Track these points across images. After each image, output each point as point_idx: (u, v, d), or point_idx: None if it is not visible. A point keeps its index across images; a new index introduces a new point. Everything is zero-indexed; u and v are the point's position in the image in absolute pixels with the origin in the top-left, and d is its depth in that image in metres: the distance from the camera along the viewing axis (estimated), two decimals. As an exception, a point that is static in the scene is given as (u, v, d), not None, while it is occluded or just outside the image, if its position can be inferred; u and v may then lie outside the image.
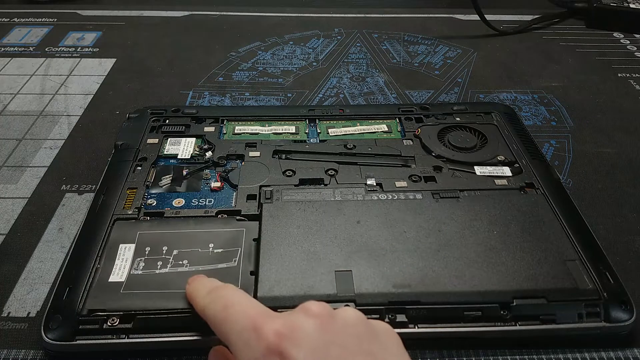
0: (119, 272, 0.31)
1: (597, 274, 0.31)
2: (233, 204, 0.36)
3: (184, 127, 0.44)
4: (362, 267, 0.31)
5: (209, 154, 0.41)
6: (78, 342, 0.28)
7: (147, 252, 0.32)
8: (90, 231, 0.34)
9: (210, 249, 0.33)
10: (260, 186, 0.38)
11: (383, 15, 0.71)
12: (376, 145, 0.42)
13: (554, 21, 0.70)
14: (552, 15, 0.71)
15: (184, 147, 0.42)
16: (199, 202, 0.37)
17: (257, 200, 0.36)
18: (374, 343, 0.22)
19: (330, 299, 0.29)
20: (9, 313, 0.32)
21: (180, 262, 0.32)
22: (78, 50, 0.61)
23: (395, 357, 0.22)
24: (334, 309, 0.23)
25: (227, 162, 0.41)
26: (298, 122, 0.45)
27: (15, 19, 0.68)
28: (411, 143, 0.43)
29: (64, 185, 0.41)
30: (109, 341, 0.28)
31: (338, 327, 0.22)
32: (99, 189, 0.38)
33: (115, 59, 0.59)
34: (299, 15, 0.71)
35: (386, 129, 0.45)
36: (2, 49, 0.61)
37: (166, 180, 0.39)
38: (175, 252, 0.32)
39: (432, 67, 0.59)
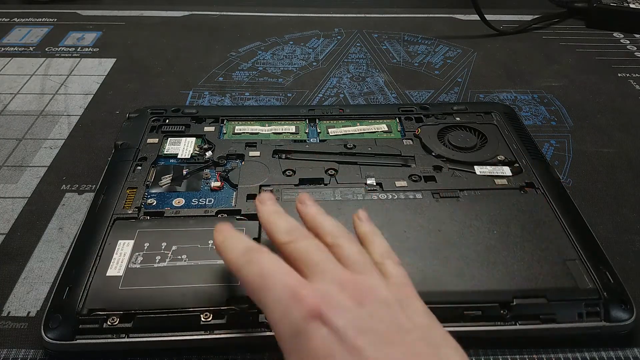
0: (117, 266, 0.31)
1: (597, 273, 0.31)
2: (233, 204, 0.36)
3: (184, 126, 0.44)
4: (362, 266, 0.31)
5: (209, 153, 0.41)
6: (78, 341, 0.28)
7: (145, 247, 0.32)
8: (90, 231, 0.34)
9: (210, 245, 0.33)
10: (260, 186, 0.38)
11: (383, 15, 0.71)
12: (376, 145, 0.42)
13: (554, 21, 0.70)
14: (552, 15, 0.71)
15: (184, 147, 0.42)
16: (198, 201, 0.37)
17: (257, 200, 0.36)
18: (403, 313, 0.23)
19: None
20: (9, 312, 0.32)
21: (179, 257, 0.32)
22: (78, 50, 0.61)
23: (423, 328, 0.23)
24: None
25: (227, 161, 0.41)
26: (298, 122, 0.45)
27: (15, 19, 0.68)
28: (411, 143, 0.43)
29: (64, 185, 0.41)
30: (109, 340, 0.28)
31: (371, 299, 0.23)
32: (99, 189, 0.38)
33: (115, 59, 0.59)
34: (299, 15, 0.71)
35: (386, 129, 0.45)
36: (2, 49, 0.61)
37: (166, 180, 0.39)
38: (174, 247, 0.32)
39: (432, 67, 0.59)
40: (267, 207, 0.29)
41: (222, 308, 0.29)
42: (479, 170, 0.40)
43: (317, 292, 0.23)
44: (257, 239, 0.33)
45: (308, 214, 0.29)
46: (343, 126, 0.45)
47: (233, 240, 0.27)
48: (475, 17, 0.65)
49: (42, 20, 0.68)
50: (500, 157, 0.41)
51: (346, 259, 0.25)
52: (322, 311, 0.22)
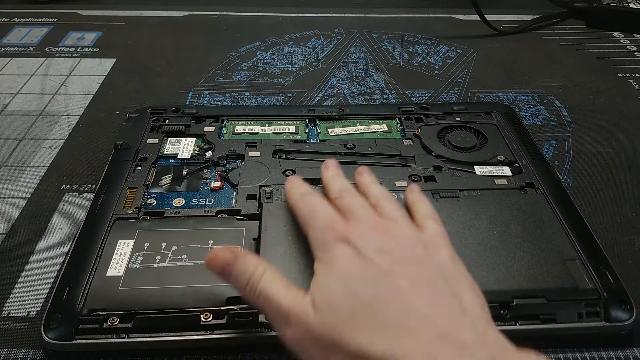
0: (117, 266, 0.31)
1: (597, 273, 0.31)
2: (233, 204, 0.36)
3: (184, 127, 0.44)
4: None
5: (209, 153, 0.41)
6: (78, 341, 0.28)
7: (145, 247, 0.32)
8: (90, 231, 0.34)
9: (210, 245, 0.33)
10: (260, 186, 0.38)
11: (383, 15, 0.72)
12: (376, 145, 0.42)
13: (554, 21, 0.70)
14: (552, 15, 0.71)
15: (184, 147, 0.42)
16: (199, 201, 0.37)
17: (257, 199, 0.37)
18: (424, 250, 0.27)
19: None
20: (9, 312, 0.32)
21: (179, 257, 0.32)
22: (78, 50, 0.61)
23: (441, 265, 0.27)
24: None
25: (227, 161, 0.41)
26: (298, 122, 0.45)
27: (15, 19, 0.68)
28: (411, 143, 0.43)
29: (64, 185, 0.41)
30: (109, 340, 0.28)
31: (396, 235, 0.28)
32: (99, 189, 0.38)
33: (115, 59, 0.59)
34: (299, 15, 0.71)
35: (386, 129, 0.45)
36: (2, 49, 0.61)
37: (166, 180, 0.39)
38: (174, 247, 0.32)
39: (432, 67, 0.59)
40: (330, 171, 0.34)
41: (222, 308, 0.29)
42: (479, 170, 0.40)
43: (349, 226, 0.28)
44: (257, 239, 0.33)
45: (359, 181, 0.34)
46: (343, 126, 0.45)
47: (295, 186, 0.33)
48: (475, 17, 0.65)
49: (42, 20, 0.68)
50: (500, 157, 0.41)
51: (384, 214, 0.30)
52: (350, 237, 0.27)
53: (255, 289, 0.26)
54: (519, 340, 0.28)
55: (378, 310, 0.24)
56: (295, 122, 0.45)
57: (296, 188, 0.33)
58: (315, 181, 0.38)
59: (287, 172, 0.39)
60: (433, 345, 0.23)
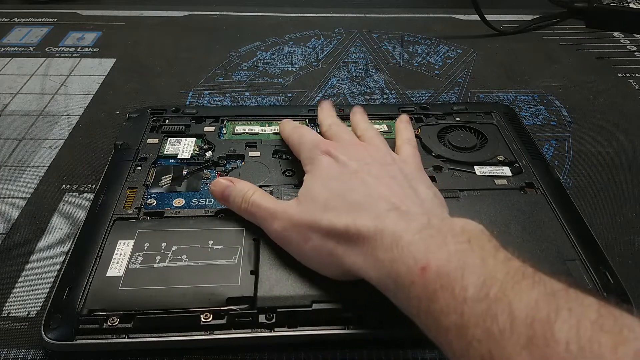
0: (117, 267, 0.31)
1: (597, 273, 0.31)
2: (233, 204, 0.36)
3: (184, 127, 0.44)
4: (362, 266, 0.31)
5: (209, 153, 0.41)
6: (78, 341, 0.28)
7: (145, 248, 0.32)
8: (90, 231, 0.34)
9: (210, 245, 0.33)
10: (260, 186, 0.38)
11: (383, 15, 0.72)
12: (376, 145, 0.42)
13: (554, 21, 0.70)
14: (552, 15, 0.71)
15: (184, 147, 0.42)
16: (198, 202, 0.37)
17: (257, 200, 0.36)
18: (393, 162, 0.33)
19: (330, 299, 0.29)
20: (9, 313, 0.32)
21: (179, 257, 0.32)
22: (78, 50, 0.61)
23: (406, 172, 0.33)
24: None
25: (227, 162, 0.41)
26: (298, 122, 0.45)
27: (15, 19, 0.68)
28: (411, 143, 0.43)
29: (64, 185, 0.41)
30: (109, 341, 0.28)
31: (370, 151, 0.34)
32: (99, 189, 0.38)
33: (115, 59, 0.59)
34: (299, 15, 0.71)
35: (386, 129, 0.45)
36: (2, 49, 0.61)
37: (166, 180, 0.39)
38: (174, 247, 0.32)
39: (432, 67, 0.59)
40: (324, 111, 0.41)
41: (222, 308, 0.29)
42: (479, 170, 0.40)
43: (331, 144, 0.34)
44: (257, 239, 0.33)
45: (352, 118, 0.41)
46: (343, 126, 0.45)
47: (286, 123, 0.41)
48: (475, 17, 0.65)
49: (42, 20, 0.68)
50: (500, 158, 0.41)
51: (365, 139, 0.36)
52: (331, 151, 0.33)
53: (248, 201, 0.33)
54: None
55: (346, 196, 0.30)
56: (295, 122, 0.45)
57: (288, 123, 0.41)
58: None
59: (287, 173, 0.39)
60: (383, 214, 0.28)
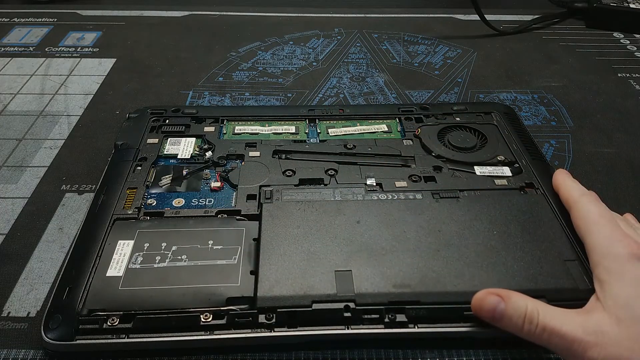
0: (117, 267, 0.31)
1: (597, 273, 0.31)
2: (233, 204, 0.36)
3: (184, 127, 0.44)
4: (362, 267, 0.31)
5: (209, 154, 0.41)
6: (78, 342, 0.28)
7: (145, 248, 0.32)
8: (90, 231, 0.34)
9: (210, 245, 0.33)
10: (260, 186, 0.38)
11: (383, 15, 0.71)
12: (376, 145, 0.42)
13: (554, 21, 0.70)
14: (552, 15, 0.71)
15: (184, 147, 0.42)
16: (199, 202, 0.37)
17: (257, 200, 0.37)
18: None
19: (329, 299, 0.29)
20: (9, 313, 0.32)
21: (179, 257, 0.32)
22: (78, 50, 0.61)
23: None
24: None
25: (227, 162, 0.41)
26: (298, 122, 0.45)
27: (15, 19, 0.68)
28: (411, 143, 0.43)
29: (64, 185, 0.41)
30: (109, 341, 0.28)
31: None
32: (99, 189, 0.38)
33: (115, 59, 0.59)
34: (299, 15, 0.71)
35: (386, 129, 0.45)
36: (2, 49, 0.61)
37: (166, 180, 0.39)
38: (174, 247, 0.32)
39: (432, 67, 0.59)
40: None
41: (222, 308, 0.29)
42: (478, 170, 0.40)
43: (636, 242, 0.29)
44: (257, 239, 0.33)
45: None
46: (343, 126, 0.45)
47: (572, 183, 0.35)
48: (475, 17, 0.65)
49: (42, 20, 0.68)
50: (500, 158, 0.41)
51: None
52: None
53: (536, 325, 0.27)
54: (518, 340, 0.29)
55: None
56: (295, 122, 0.45)
57: (575, 185, 0.35)
58: (315, 181, 0.38)
59: (287, 173, 0.39)
60: None
